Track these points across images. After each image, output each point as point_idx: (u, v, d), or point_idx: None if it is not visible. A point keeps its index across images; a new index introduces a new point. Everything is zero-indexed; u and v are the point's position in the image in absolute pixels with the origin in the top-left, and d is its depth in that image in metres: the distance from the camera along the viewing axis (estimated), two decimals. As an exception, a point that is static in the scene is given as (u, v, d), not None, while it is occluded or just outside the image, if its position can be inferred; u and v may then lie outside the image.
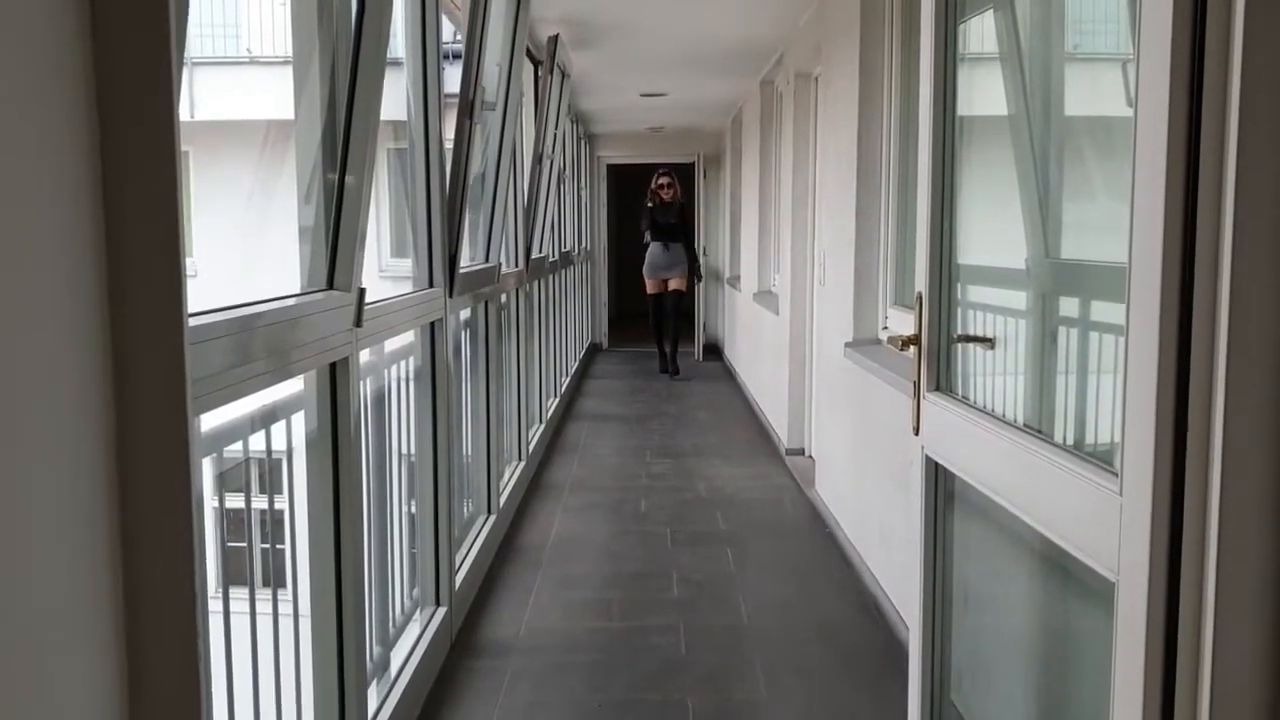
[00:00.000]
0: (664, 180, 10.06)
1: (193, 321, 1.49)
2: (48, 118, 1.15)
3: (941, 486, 2.21)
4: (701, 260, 11.28)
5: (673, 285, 10.24)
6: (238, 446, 2.12)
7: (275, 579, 2.47)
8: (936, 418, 2.13)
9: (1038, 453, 1.66)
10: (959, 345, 2.17)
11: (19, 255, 1.09)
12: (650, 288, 10.32)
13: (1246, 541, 1.21)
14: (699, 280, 10.80)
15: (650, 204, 10.19)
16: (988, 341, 2.12)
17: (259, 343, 1.83)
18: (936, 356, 2.17)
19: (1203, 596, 1.23)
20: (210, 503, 2.11)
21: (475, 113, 3.73)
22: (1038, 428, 1.89)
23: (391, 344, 3.21)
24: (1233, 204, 1.19)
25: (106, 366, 1.24)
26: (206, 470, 2.02)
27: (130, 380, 1.26)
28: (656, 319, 10.31)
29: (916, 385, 2.21)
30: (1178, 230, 1.24)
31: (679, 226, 10.21)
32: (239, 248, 9.34)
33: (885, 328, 4.27)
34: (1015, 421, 1.93)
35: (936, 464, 2.17)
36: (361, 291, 2.40)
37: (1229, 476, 1.21)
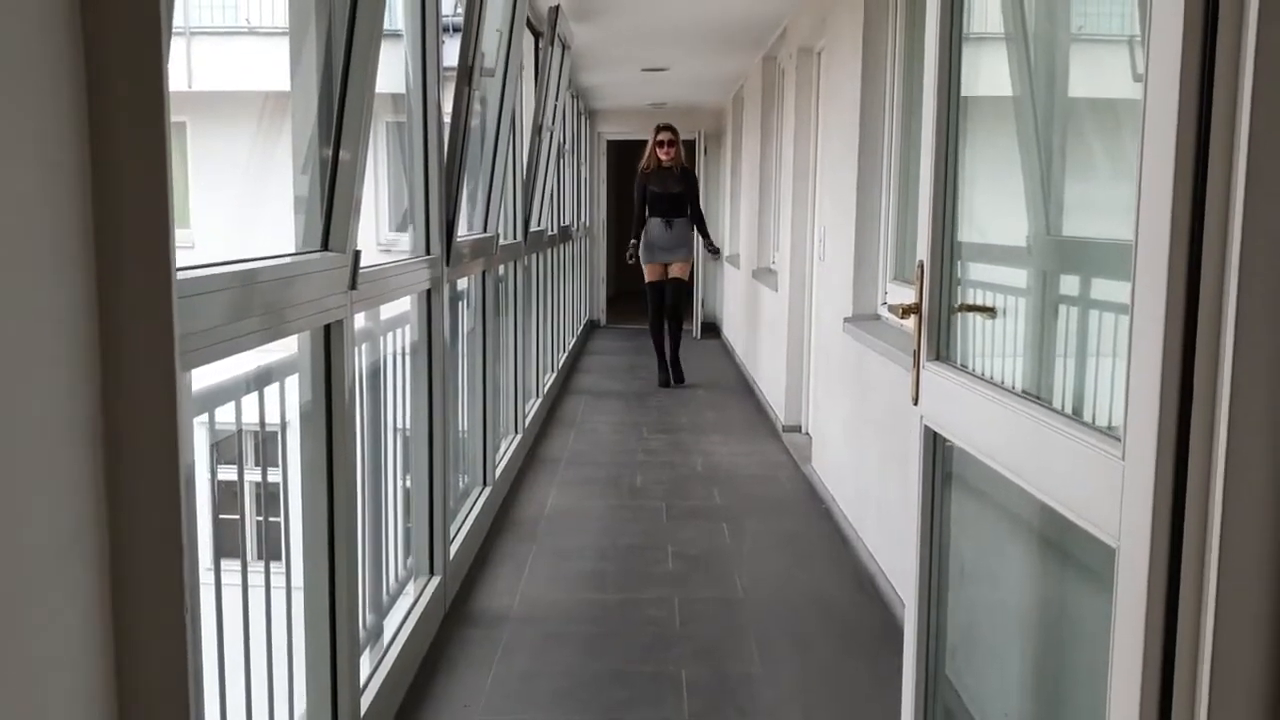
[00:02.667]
0: (664, 137, 7.94)
1: (185, 275, 1.47)
2: (34, 67, 1.12)
3: (940, 458, 2.19)
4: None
5: (673, 271, 8.10)
6: (231, 419, 2.10)
7: (267, 548, 2.46)
8: (936, 387, 2.11)
9: (1039, 419, 1.64)
10: (959, 316, 2.15)
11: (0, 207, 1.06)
12: (650, 274, 8.17)
13: (1250, 506, 1.19)
14: (716, 256, 9.45)
15: (645, 169, 8.05)
16: (989, 311, 2.10)
17: (252, 300, 1.81)
18: (937, 325, 2.15)
19: (1205, 561, 1.21)
20: (204, 474, 2.09)
21: (474, 79, 3.70)
22: (1038, 396, 1.87)
23: (387, 313, 3.19)
24: (1244, 180, 1.17)
25: (93, 319, 1.22)
26: (200, 439, 1.99)
27: (117, 333, 1.24)
28: (657, 314, 8.14)
29: (916, 355, 2.19)
30: (1186, 201, 1.22)
31: (682, 197, 8.04)
32: (235, 219, 9.31)
33: (885, 303, 4.25)
34: (1015, 389, 1.91)
35: (935, 434, 2.15)
36: (357, 254, 2.38)
37: (1234, 442, 1.19)
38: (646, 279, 8.23)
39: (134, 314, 1.24)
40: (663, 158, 7.95)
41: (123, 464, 1.26)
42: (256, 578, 2.27)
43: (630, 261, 8.27)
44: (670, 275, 8.11)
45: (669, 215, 8.03)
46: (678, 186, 8.02)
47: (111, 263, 1.23)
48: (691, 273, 8.55)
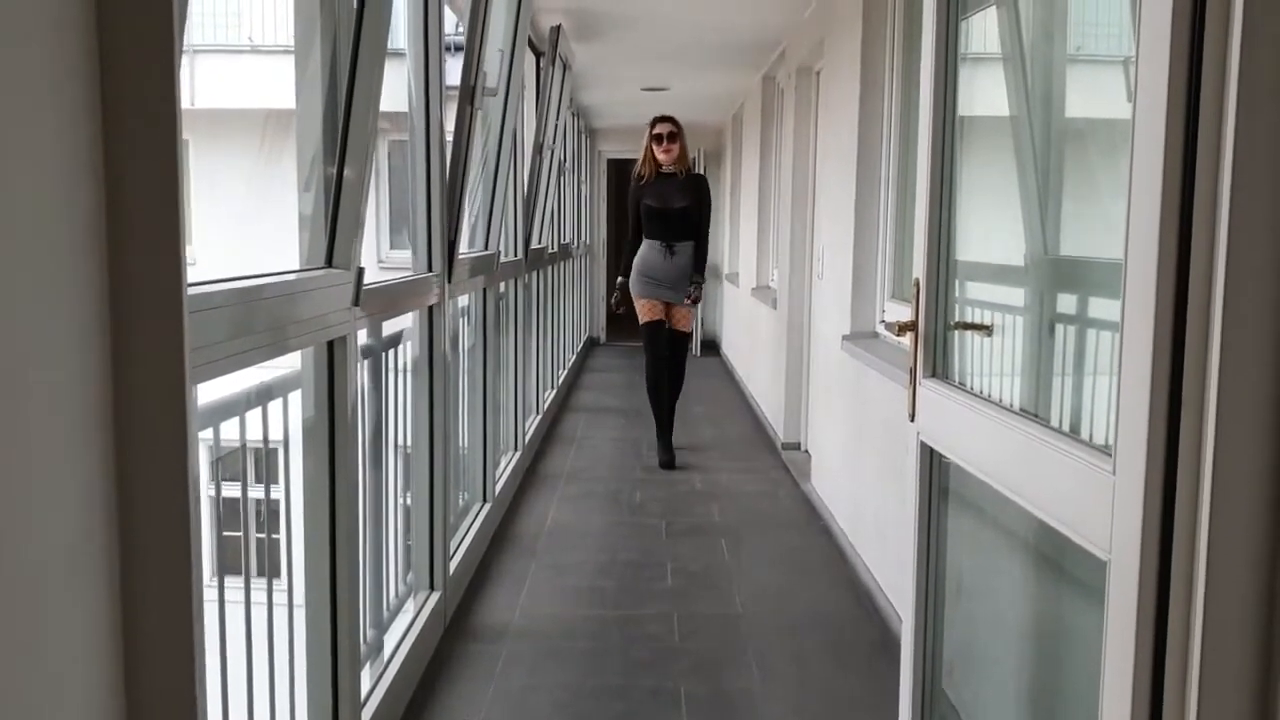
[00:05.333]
0: (663, 129, 5.79)
1: (193, 291, 1.49)
2: (51, 86, 1.15)
3: (936, 474, 2.21)
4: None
5: (678, 322, 5.95)
6: (235, 435, 2.11)
7: (270, 563, 2.47)
8: (932, 404, 2.14)
9: (1032, 435, 1.66)
10: (956, 334, 2.18)
11: (18, 222, 1.09)
12: (645, 312, 5.93)
13: (1237, 518, 1.21)
14: (693, 303, 5.96)
15: (640, 177, 5.89)
16: (985, 329, 2.12)
17: (258, 316, 1.83)
18: (933, 343, 2.18)
19: (1194, 573, 1.23)
20: (205, 491, 2.09)
21: (476, 98, 3.74)
22: (1034, 413, 1.89)
23: (388, 329, 3.21)
24: (1229, 199, 1.20)
25: (104, 332, 1.25)
26: (202, 455, 2.00)
27: (129, 347, 1.26)
28: (654, 363, 5.96)
29: (913, 371, 2.21)
30: (1174, 220, 1.25)
31: (689, 214, 5.82)
32: (237, 238, 9.34)
33: (883, 320, 4.28)
34: (1012, 407, 1.93)
35: (932, 450, 2.17)
36: (360, 271, 2.41)
37: (1221, 455, 1.22)
38: (641, 318, 5.97)
39: (145, 328, 1.26)
40: (662, 158, 5.80)
41: (132, 475, 1.28)
42: (258, 594, 2.28)
43: (617, 310, 6.15)
44: (674, 326, 5.97)
45: (670, 239, 5.82)
46: (683, 200, 5.79)
47: (123, 277, 1.25)
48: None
